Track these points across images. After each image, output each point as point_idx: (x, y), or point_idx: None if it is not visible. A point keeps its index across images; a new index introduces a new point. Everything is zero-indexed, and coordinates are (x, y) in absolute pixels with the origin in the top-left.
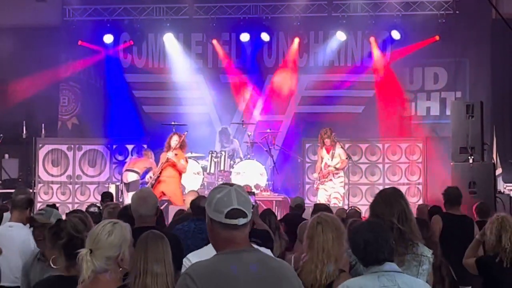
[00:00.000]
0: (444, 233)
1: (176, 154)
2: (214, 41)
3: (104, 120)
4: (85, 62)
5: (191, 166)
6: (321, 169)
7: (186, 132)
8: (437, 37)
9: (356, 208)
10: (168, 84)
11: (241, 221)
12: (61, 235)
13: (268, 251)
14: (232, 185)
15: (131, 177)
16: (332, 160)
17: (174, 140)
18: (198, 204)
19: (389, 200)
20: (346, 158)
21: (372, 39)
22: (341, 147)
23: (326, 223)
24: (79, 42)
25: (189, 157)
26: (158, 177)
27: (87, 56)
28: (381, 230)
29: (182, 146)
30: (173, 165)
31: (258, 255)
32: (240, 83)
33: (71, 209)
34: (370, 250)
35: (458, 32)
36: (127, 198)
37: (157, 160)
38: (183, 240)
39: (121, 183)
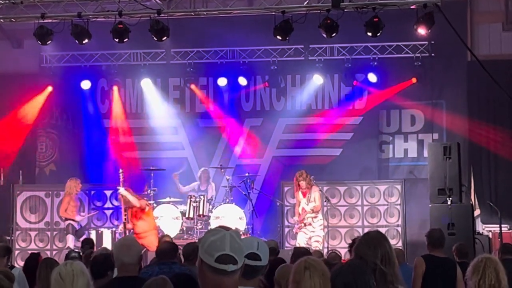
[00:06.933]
0: (427, 275)
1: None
2: (193, 86)
3: (82, 166)
4: (62, 108)
5: (170, 211)
6: (299, 213)
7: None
8: (414, 80)
9: (337, 252)
10: (146, 129)
11: (231, 267)
12: None
13: None
14: (228, 229)
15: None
16: (308, 204)
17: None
18: (161, 249)
19: (373, 242)
20: (325, 200)
21: (348, 82)
22: (318, 190)
23: (314, 268)
24: (57, 88)
25: (168, 202)
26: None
27: (65, 102)
28: (361, 272)
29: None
30: (140, 214)
31: None
32: (218, 127)
33: (49, 256)
34: None
35: (434, 75)
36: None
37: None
38: None
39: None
